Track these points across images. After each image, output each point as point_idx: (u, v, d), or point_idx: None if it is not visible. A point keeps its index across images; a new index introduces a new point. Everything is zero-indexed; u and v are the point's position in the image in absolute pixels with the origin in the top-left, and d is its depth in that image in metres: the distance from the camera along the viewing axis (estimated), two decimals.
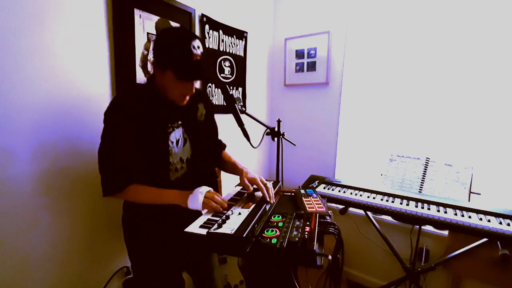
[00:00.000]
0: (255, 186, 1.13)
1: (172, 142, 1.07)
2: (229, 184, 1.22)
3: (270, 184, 1.14)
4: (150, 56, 1.44)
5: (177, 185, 1.09)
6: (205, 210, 1.00)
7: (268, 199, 1.07)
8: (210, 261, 1.26)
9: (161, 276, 1.12)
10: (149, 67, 1.45)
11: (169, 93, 1.01)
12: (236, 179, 1.19)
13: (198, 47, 0.95)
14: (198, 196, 0.98)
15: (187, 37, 0.94)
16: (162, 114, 1.04)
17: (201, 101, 1.19)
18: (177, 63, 0.93)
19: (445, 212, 1.35)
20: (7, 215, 1.04)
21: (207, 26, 1.78)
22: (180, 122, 1.10)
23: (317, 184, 1.78)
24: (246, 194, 1.17)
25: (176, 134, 1.08)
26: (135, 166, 1.00)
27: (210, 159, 1.25)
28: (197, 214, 0.97)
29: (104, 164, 0.99)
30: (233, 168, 1.22)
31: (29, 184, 1.09)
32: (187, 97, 1.04)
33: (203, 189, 1.01)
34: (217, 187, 1.29)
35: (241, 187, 1.26)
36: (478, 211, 1.35)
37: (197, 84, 1.06)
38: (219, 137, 1.36)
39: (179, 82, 0.97)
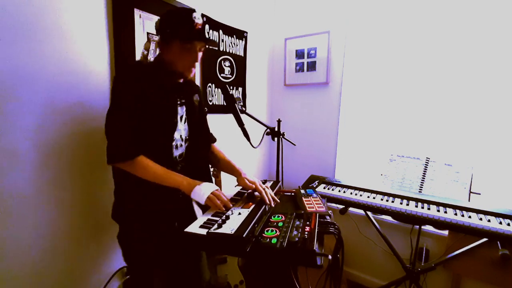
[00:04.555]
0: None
1: (177, 115, 1.10)
2: (229, 184, 1.22)
3: (269, 189, 1.13)
4: (150, 56, 1.44)
5: (176, 165, 1.10)
6: (200, 212, 1.00)
7: (268, 203, 1.06)
8: (199, 261, 1.25)
9: (158, 275, 1.12)
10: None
11: (177, 65, 1.04)
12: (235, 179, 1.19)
13: (199, 18, 1.01)
14: (204, 192, 0.98)
15: (188, 10, 1.03)
16: (170, 89, 1.08)
17: (196, 92, 1.24)
18: (181, 29, 0.99)
19: (445, 212, 1.35)
20: (6, 215, 1.04)
21: (207, 26, 1.78)
22: (183, 101, 1.14)
23: (317, 184, 1.77)
24: (246, 194, 1.17)
25: (180, 111, 1.13)
26: (142, 137, 0.99)
27: (202, 147, 1.25)
28: (193, 214, 0.97)
29: (113, 129, 0.97)
30: (230, 168, 1.22)
31: (28, 183, 1.09)
32: (193, 70, 1.08)
33: (213, 187, 1.02)
34: (210, 179, 1.30)
35: (241, 187, 1.25)
36: (478, 211, 1.35)
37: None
38: (218, 144, 1.37)
39: (185, 50, 1.01)
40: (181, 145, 1.13)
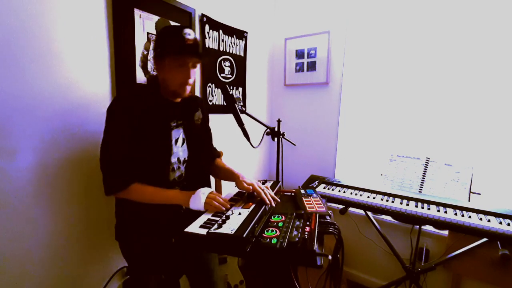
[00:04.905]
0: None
1: (172, 140, 1.08)
2: (229, 184, 1.22)
3: (269, 189, 1.13)
4: (150, 56, 1.44)
5: (175, 187, 1.09)
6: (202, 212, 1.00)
7: (268, 203, 1.06)
8: (209, 264, 1.25)
9: (156, 279, 1.12)
10: (149, 67, 1.45)
11: (170, 84, 1.03)
12: None
13: (190, 34, 1.01)
14: (201, 197, 0.99)
15: (179, 27, 1.04)
16: (164, 111, 1.07)
17: (198, 107, 1.22)
18: (172, 45, 0.99)
19: (445, 212, 1.35)
20: (5, 215, 1.04)
21: (207, 26, 1.78)
22: (180, 122, 1.12)
23: (317, 184, 1.78)
24: (246, 194, 1.17)
25: (176, 133, 1.11)
26: (136, 164, 1.01)
27: (204, 164, 1.26)
28: (193, 218, 0.97)
29: (106, 162, 0.99)
30: (229, 175, 1.21)
31: (27, 183, 1.09)
32: (188, 88, 1.06)
33: (206, 190, 1.02)
34: None
35: None
36: (478, 211, 1.35)
37: (196, 73, 1.08)
38: (218, 144, 1.37)
39: (177, 67, 1.01)
40: (178, 168, 1.12)
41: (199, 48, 1.03)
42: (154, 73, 1.19)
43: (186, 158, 1.14)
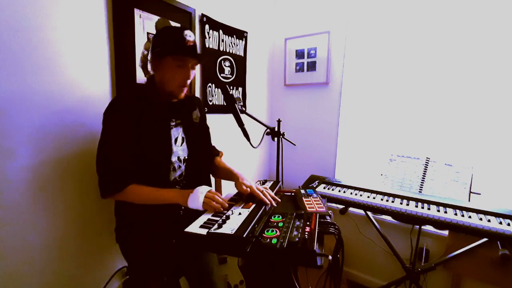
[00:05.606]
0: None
1: (172, 139, 1.09)
2: (229, 184, 1.22)
3: (268, 190, 1.12)
4: (150, 57, 1.44)
5: (175, 186, 1.10)
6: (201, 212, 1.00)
7: (268, 203, 1.06)
8: (208, 263, 1.25)
9: (157, 280, 1.12)
10: (149, 67, 1.45)
11: (168, 84, 1.03)
12: None
13: (190, 36, 1.02)
14: (199, 196, 0.98)
15: (179, 28, 1.04)
16: (162, 111, 1.07)
17: (196, 106, 1.23)
18: (173, 46, 1.00)
19: (445, 212, 1.35)
20: (4, 215, 1.04)
21: (207, 26, 1.78)
22: (179, 121, 1.12)
23: (317, 184, 1.78)
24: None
25: (176, 132, 1.11)
26: (134, 166, 1.00)
27: (204, 162, 1.25)
28: (193, 217, 0.96)
29: (102, 165, 0.99)
30: (229, 175, 1.21)
31: (26, 184, 1.09)
32: (185, 89, 1.06)
33: (204, 189, 1.01)
34: None
35: None
36: (478, 211, 1.35)
37: (193, 75, 1.08)
38: (218, 144, 1.37)
39: (176, 67, 1.00)
40: (179, 167, 1.12)
41: (198, 49, 1.04)
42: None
43: (186, 157, 1.14)
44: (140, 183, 1.01)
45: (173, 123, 1.10)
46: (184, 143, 1.14)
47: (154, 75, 1.07)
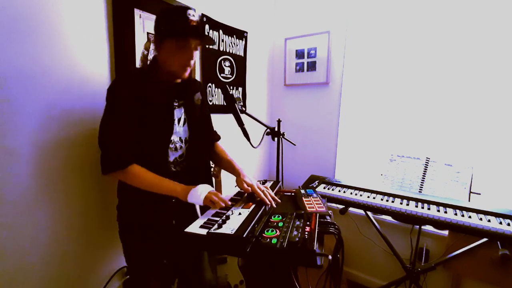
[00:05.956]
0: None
1: (174, 120, 1.09)
2: (229, 184, 1.22)
3: (268, 189, 1.12)
4: (150, 56, 1.44)
5: (175, 167, 1.10)
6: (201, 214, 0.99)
7: (268, 204, 1.06)
8: (201, 262, 1.25)
9: (156, 276, 1.12)
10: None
11: (171, 65, 1.02)
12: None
13: (193, 15, 1.00)
14: (201, 193, 0.98)
15: (183, 7, 1.01)
16: (166, 91, 1.07)
17: (198, 89, 1.23)
18: (175, 26, 0.98)
19: (445, 212, 1.35)
20: (5, 213, 1.04)
21: (207, 26, 1.78)
22: (181, 102, 1.13)
23: (317, 184, 1.78)
24: (246, 194, 1.17)
25: (179, 113, 1.11)
26: (136, 143, 1.00)
27: (205, 146, 1.25)
28: (193, 211, 0.96)
29: (106, 139, 0.98)
30: (230, 167, 1.21)
31: (27, 181, 1.09)
32: (189, 69, 1.05)
33: (206, 187, 1.01)
34: (211, 177, 1.29)
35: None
36: (478, 211, 1.35)
37: (196, 55, 1.07)
38: (220, 136, 1.36)
39: (179, 48, 0.99)
40: (180, 147, 1.12)
41: (202, 29, 1.02)
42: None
43: (187, 138, 1.15)
44: (141, 163, 1.00)
45: (176, 104, 1.10)
46: (186, 124, 1.14)
47: (156, 56, 1.07)
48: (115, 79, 1.03)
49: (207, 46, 1.81)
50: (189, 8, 1.00)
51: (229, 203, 1.02)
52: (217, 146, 1.32)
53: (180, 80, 1.11)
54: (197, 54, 1.07)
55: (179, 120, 1.11)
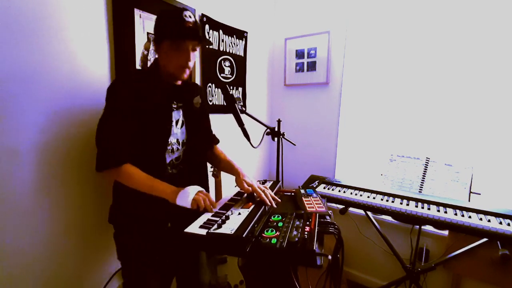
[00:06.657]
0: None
1: (172, 121, 1.09)
2: (229, 184, 1.22)
3: (268, 189, 1.12)
4: (150, 56, 1.44)
5: (171, 169, 1.10)
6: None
7: (269, 204, 1.06)
8: (197, 261, 1.25)
9: (156, 280, 1.12)
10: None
11: (170, 66, 1.03)
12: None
13: (190, 17, 1.00)
14: (189, 194, 0.97)
15: (179, 9, 1.02)
16: (165, 93, 1.07)
17: (198, 92, 1.23)
18: (172, 28, 0.99)
19: (445, 212, 1.35)
20: (5, 216, 1.04)
21: (207, 26, 1.78)
22: (180, 104, 1.13)
23: (317, 184, 1.77)
24: (246, 194, 1.17)
25: (177, 115, 1.12)
26: (133, 144, 1.00)
27: (203, 148, 1.26)
28: (189, 213, 0.96)
29: (102, 137, 0.98)
30: (230, 168, 1.21)
31: (27, 183, 1.09)
32: (187, 70, 1.05)
33: (195, 188, 1.00)
34: (207, 179, 1.29)
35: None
36: (478, 211, 1.35)
37: (195, 58, 1.07)
38: (219, 138, 1.36)
39: (176, 50, 1.00)
40: (177, 149, 1.13)
41: (199, 31, 1.02)
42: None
43: (185, 140, 1.15)
44: (137, 164, 1.00)
45: (175, 106, 1.11)
46: (184, 126, 1.14)
47: (157, 58, 1.08)
48: (115, 79, 1.03)
49: (206, 46, 1.81)
50: (185, 10, 1.01)
51: (217, 208, 1.01)
52: (216, 149, 1.33)
53: (180, 82, 1.12)
54: (195, 55, 1.07)
55: (177, 122, 1.12)
